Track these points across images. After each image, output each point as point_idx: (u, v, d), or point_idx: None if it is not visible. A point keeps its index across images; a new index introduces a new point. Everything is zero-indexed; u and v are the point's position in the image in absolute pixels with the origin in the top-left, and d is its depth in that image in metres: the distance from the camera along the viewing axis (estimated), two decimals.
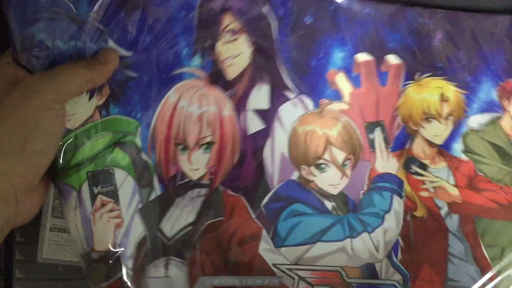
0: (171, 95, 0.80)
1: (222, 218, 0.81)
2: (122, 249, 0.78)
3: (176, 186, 0.81)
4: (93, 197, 0.77)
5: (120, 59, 0.78)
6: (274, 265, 0.83)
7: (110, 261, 0.77)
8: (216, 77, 0.83)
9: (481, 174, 0.87)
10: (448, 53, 0.88)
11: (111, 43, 0.77)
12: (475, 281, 0.85)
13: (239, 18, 0.84)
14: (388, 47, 0.88)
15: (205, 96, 0.80)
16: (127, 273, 0.77)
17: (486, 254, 0.86)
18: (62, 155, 0.76)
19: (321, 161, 0.85)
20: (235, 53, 0.84)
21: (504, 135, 0.88)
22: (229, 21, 0.83)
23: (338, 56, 0.88)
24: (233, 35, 0.83)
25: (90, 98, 0.77)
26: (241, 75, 0.84)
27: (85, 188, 0.77)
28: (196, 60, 0.82)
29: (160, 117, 0.79)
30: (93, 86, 0.75)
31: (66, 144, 0.77)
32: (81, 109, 0.77)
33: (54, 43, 0.75)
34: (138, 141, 0.79)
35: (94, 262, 0.77)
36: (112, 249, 0.77)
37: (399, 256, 0.84)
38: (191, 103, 0.80)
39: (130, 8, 0.78)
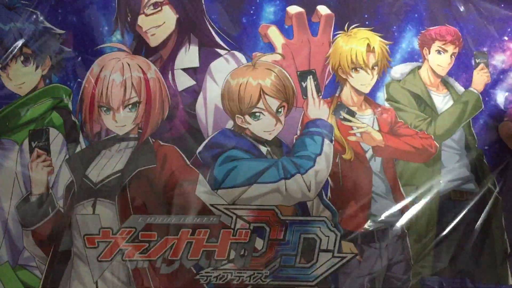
0: (95, 67, 0.91)
1: (154, 165, 0.89)
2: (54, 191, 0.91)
3: (101, 141, 0.91)
4: (31, 150, 0.90)
5: (56, 35, 0.92)
6: (212, 205, 0.89)
7: (45, 202, 0.90)
8: (138, 47, 0.93)
9: (401, 120, 0.95)
10: (375, 3, 0.94)
11: (46, 24, 0.91)
12: (393, 216, 0.94)
13: None
14: None
15: (128, 65, 0.90)
16: (58, 211, 0.90)
17: (403, 192, 0.94)
18: (12, 117, 0.90)
19: (255, 109, 0.90)
20: (158, 23, 0.93)
21: (422, 84, 0.96)
22: None
23: (269, 10, 0.93)
24: (155, 8, 0.92)
25: (36, 69, 0.91)
26: (165, 41, 0.93)
27: (26, 143, 0.91)
28: (116, 36, 0.93)
29: (86, 85, 0.91)
30: None
31: (16, 107, 0.91)
32: (30, 78, 0.91)
33: None
34: (70, 105, 0.92)
35: (32, 205, 0.90)
36: (46, 191, 0.90)
37: (329, 195, 0.91)
38: (114, 72, 0.90)
39: None
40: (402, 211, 0.93)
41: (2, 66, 0.89)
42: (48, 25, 0.91)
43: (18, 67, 0.90)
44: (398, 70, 0.94)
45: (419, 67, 0.95)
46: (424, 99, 0.95)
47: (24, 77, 0.91)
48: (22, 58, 0.90)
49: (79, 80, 0.91)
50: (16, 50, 0.89)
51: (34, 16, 0.91)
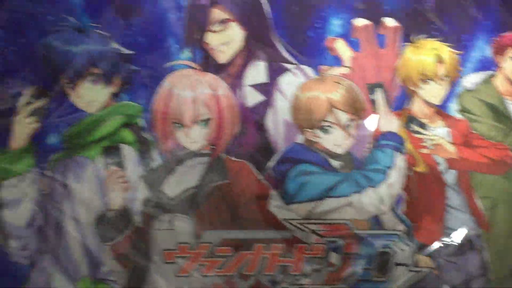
0: (166, 84, 0.91)
1: (227, 181, 0.90)
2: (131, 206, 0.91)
3: (175, 157, 0.91)
4: (106, 167, 0.91)
5: (124, 56, 0.94)
6: (285, 220, 0.89)
7: (122, 217, 0.90)
8: (208, 64, 0.95)
9: (475, 132, 0.93)
10: (442, 13, 0.93)
11: (115, 45, 0.93)
12: (470, 229, 0.91)
13: (228, 8, 0.93)
14: (384, 10, 0.93)
15: (198, 81, 0.90)
16: (135, 226, 0.90)
17: (479, 205, 0.92)
18: (83, 135, 0.92)
19: (325, 123, 0.90)
20: (226, 40, 0.95)
21: (497, 93, 0.94)
22: (218, 13, 0.94)
23: (335, 23, 0.93)
24: (222, 25, 0.93)
25: (105, 87, 0.93)
26: (234, 57, 0.95)
27: (99, 159, 0.92)
28: (186, 53, 0.96)
29: (157, 103, 0.91)
30: None
31: (87, 125, 0.92)
32: (98, 96, 0.93)
33: (67, 48, 0.91)
34: (141, 122, 0.94)
35: (110, 220, 0.90)
36: (123, 207, 0.90)
37: (402, 208, 0.90)
38: (184, 89, 0.90)
39: (128, 16, 0.95)
40: (480, 224, 0.91)
41: (71, 85, 0.91)
42: (117, 46, 0.93)
43: (87, 86, 0.91)
44: (470, 80, 0.93)
45: (492, 76, 0.93)
46: (499, 109, 0.93)
47: (93, 96, 0.92)
48: (91, 77, 0.91)
49: (150, 98, 0.91)
50: (85, 70, 0.91)
51: (104, 38, 0.93)
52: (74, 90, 0.91)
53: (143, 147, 0.92)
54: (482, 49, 0.93)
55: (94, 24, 0.93)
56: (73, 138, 0.92)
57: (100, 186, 0.91)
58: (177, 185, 0.90)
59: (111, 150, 0.91)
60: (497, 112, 0.93)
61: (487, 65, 0.93)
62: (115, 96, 0.94)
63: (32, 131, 0.89)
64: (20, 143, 0.89)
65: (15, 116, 0.89)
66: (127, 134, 0.93)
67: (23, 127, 0.89)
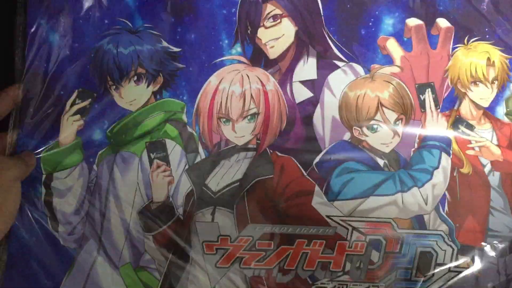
0: (213, 80, 0.93)
1: (271, 176, 0.91)
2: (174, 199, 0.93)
3: (221, 151, 0.93)
4: (151, 161, 0.93)
5: (171, 54, 0.94)
6: (328, 216, 0.90)
7: (166, 210, 0.92)
8: (258, 59, 0.95)
9: None
10: (495, 17, 0.93)
11: (164, 43, 0.94)
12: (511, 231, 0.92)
13: (281, 4, 0.94)
14: (438, 10, 0.92)
15: (247, 76, 0.92)
16: (178, 219, 0.92)
17: None
18: (127, 131, 0.94)
19: (373, 122, 0.90)
20: (278, 35, 0.94)
21: None
22: (271, 8, 0.94)
23: (388, 22, 0.93)
24: (275, 20, 0.93)
25: (147, 86, 0.94)
26: (284, 53, 0.94)
27: (145, 154, 0.94)
28: (237, 48, 0.95)
29: (203, 98, 0.93)
30: (21, 179, 0.90)
31: (129, 121, 0.94)
32: (141, 95, 0.94)
33: (118, 50, 0.93)
34: (184, 117, 0.94)
35: (153, 211, 0.93)
36: (167, 199, 0.93)
37: (446, 208, 0.91)
38: (233, 84, 0.92)
39: (180, 14, 0.94)
40: None
41: (116, 87, 0.93)
42: (165, 44, 0.93)
43: (131, 86, 0.93)
44: None
45: None
46: None
47: (135, 95, 0.94)
48: (135, 78, 0.93)
49: (194, 93, 0.93)
50: (131, 71, 0.93)
51: (155, 38, 0.93)
52: (117, 91, 0.93)
53: (188, 142, 0.93)
54: None
55: (147, 25, 0.94)
56: (117, 135, 0.94)
57: (144, 179, 0.93)
58: (221, 179, 0.92)
59: (156, 145, 0.93)
60: None
61: None
62: (158, 93, 0.95)
63: (78, 129, 0.93)
64: (68, 140, 0.93)
65: (63, 115, 0.93)
66: (171, 130, 0.94)
67: (69, 125, 0.93)
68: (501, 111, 0.93)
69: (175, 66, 0.94)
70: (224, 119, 0.92)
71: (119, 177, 0.94)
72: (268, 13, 0.93)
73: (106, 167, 0.94)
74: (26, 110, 0.92)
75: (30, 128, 0.92)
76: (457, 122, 0.92)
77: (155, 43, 0.93)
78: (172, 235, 0.91)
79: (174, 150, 0.93)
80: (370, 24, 0.92)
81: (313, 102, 0.92)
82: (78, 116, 0.93)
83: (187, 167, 0.93)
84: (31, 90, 0.92)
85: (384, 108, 0.90)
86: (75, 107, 0.93)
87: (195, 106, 0.93)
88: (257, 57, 0.94)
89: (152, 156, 0.93)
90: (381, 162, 0.91)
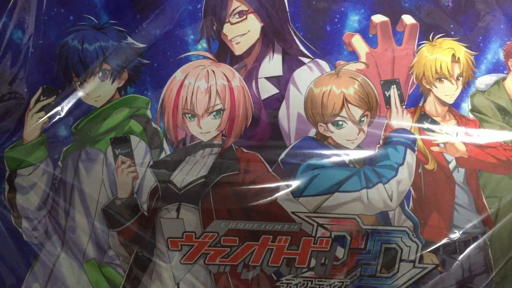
0: (178, 75, 0.93)
1: (237, 172, 0.91)
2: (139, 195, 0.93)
3: (186, 147, 0.93)
4: (115, 157, 0.93)
5: (136, 49, 0.94)
6: (293, 213, 0.90)
7: (130, 206, 0.92)
8: (223, 55, 0.95)
9: None
10: (460, 13, 0.93)
11: (129, 39, 0.94)
12: (476, 227, 0.93)
13: (246, 0, 0.93)
14: (404, 7, 0.93)
15: (213, 72, 0.92)
16: (143, 215, 0.92)
17: (486, 204, 0.93)
18: (91, 127, 0.94)
19: (338, 118, 0.90)
20: (243, 31, 0.94)
21: (507, 95, 0.94)
22: (237, 5, 0.94)
23: (353, 19, 0.93)
24: (240, 16, 0.93)
25: (112, 82, 0.94)
26: (250, 49, 0.94)
27: (109, 150, 0.93)
28: (202, 44, 0.95)
29: (167, 93, 0.93)
30: None
31: (94, 118, 0.94)
32: (105, 91, 0.94)
33: (83, 46, 0.93)
34: (149, 113, 0.95)
35: (118, 208, 0.92)
36: (131, 196, 0.92)
37: (411, 205, 0.91)
38: (199, 79, 0.91)
39: (145, 10, 0.94)
40: (485, 222, 0.92)
41: (80, 83, 0.93)
42: (130, 40, 0.93)
43: (96, 82, 0.93)
44: (483, 81, 0.93)
45: (504, 78, 0.94)
46: (508, 111, 0.93)
47: (100, 91, 0.93)
48: (100, 74, 0.93)
49: (158, 89, 0.93)
50: (96, 67, 0.93)
51: (120, 34, 0.93)
52: (82, 87, 0.93)
53: (152, 138, 0.93)
54: (496, 52, 0.93)
55: (112, 21, 0.94)
56: (82, 131, 0.94)
57: (109, 176, 0.93)
58: (187, 175, 0.91)
59: (120, 141, 0.93)
60: (505, 113, 0.94)
61: (500, 68, 0.93)
62: (122, 89, 0.95)
63: (43, 126, 0.93)
64: (32, 136, 0.93)
65: (27, 112, 0.93)
66: (135, 126, 0.94)
67: (33, 122, 0.92)
68: (466, 107, 0.93)
69: (140, 62, 0.94)
70: (189, 115, 0.91)
71: (84, 173, 0.93)
72: (234, 9, 0.93)
73: (71, 164, 0.93)
74: None
75: None
76: (422, 118, 0.92)
77: (120, 39, 0.93)
78: (136, 231, 0.91)
79: (139, 146, 0.93)
80: (336, 20, 0.92)
81: (279, 98, 0.92)
82: (42, 113, 0.93)
83: (151, 163, 0.92)
84: None
85: (349, 105, 0.90)
86: (40, 104, 0.93)
87: (160, 101, 0.92)
88: (223, 53, 0.94)
89: (117, 152, 0.92)
90: (346, 158, 0.91)
